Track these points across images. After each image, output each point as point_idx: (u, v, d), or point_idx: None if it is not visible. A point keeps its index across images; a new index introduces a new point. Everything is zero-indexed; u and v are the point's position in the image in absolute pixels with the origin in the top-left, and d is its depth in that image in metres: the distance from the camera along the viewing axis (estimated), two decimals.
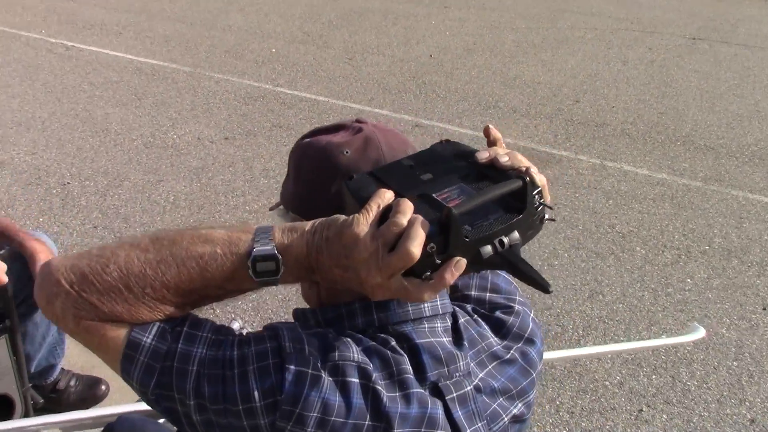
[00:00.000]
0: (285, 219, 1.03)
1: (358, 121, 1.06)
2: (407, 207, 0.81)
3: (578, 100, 6.18)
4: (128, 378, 0.87)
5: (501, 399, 0.99)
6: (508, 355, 1.03)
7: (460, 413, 0.93)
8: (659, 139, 5.32)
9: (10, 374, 2.16)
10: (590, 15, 9.84)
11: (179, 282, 0.84)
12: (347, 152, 0.98)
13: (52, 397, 2.51)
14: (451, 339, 0.96)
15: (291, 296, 3.15)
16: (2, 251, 2.15)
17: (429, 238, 0.79)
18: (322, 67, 6.86)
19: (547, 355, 2.81)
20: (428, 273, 0.80)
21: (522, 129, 5.43)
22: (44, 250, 2.09)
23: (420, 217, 0.80)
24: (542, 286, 0.80)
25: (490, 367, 1.00)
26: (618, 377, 2.82)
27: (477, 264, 0.82)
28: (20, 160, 4.52)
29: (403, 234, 0.79)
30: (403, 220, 0.80)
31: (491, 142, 0.99)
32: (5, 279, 1.96)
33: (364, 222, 0.81)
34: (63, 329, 0.88)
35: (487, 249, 0.82)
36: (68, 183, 4.23)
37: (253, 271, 0.83)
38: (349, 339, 0.90)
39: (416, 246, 0.78)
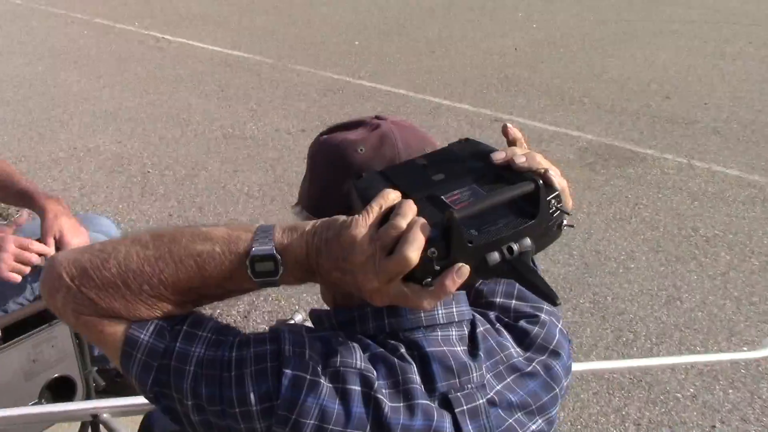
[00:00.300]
0: (300, 218, 1.00)
1: (377, 117, 1.01)
2: (409, 209, 0.76)
3: (668, 96, 5.91)
4: (127, 374, 0.86)
5: (519, 414, 0.92)
6: (530, 368, 0.96)
7: (470, 427, 0.87)
8: (754, 139, 5.03)
9: (72, 357, 2.21)
10: (688, 7, 9.43)
11: (177, 280, 0.82)
12: (362, 149, 0.94)
13: (117, 381, 2.57)
14: (466, 348, 0.90)
15: None
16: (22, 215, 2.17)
17: (430, 242, 0.73)
18: (403, 60, 6.82)
19: (614, 364, 2.69)
20: (429, 279, 0.75)
21: (605, 125, 5.24)
22: (57, 210, 2.06)
23: (421, 220, 0.75)
24: (550, 298, 0.74)
25: (508, 379, 0.94)
26: (691, 390, 2.67)
27: (482, 271, 0.76)
28: (105, 148, 4.68)
29: (402, 237, 0.74)
30: (403, 223, 0.75)
31: (510, 142, 0.92)
32: (36, 245, 1.97)
33: (363, 223, 0.76)
34: (65, 322, 0.87)
35: (494, 256, 0.75)
36: (149, 172, 4.35)
37: (252, 270, 0.80)
38: (355, 344, 0.86)
39: (414, 250, 0.72)
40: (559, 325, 1.02)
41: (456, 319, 0.91)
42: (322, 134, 1.02)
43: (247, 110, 5.43)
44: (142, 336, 0.83)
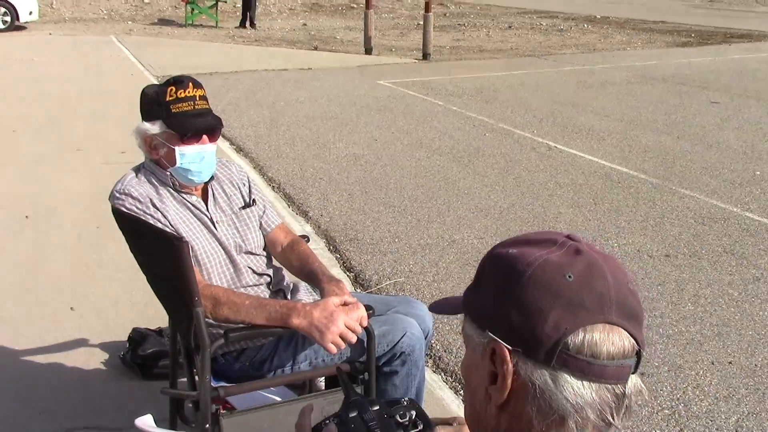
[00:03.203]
0: (480, 339, 0.93)
1: (569, 237, 0.93)
2: None
3: None
4: None
5: None
6: None
7: None
8: None
9: None
10: None
11: None
12: (570, 277, 0.87)
13: None
14: None
15: None
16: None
17: None
18: None
19: None
20: None
21: None
22: (336, 291, 2.28)
23: None
24: None
25: None
26: None
27: None
28: (468, 242, 4.99)
29: None
30: None
31: None
32: (359, 329, 2.19)
33: None
34: None
35: None
36: None
37: None
38: None
39: None
40: None
41: None
42: (502, 247, 0.96)
43: (614, 226, 5.35)
44: None
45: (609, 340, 0.85)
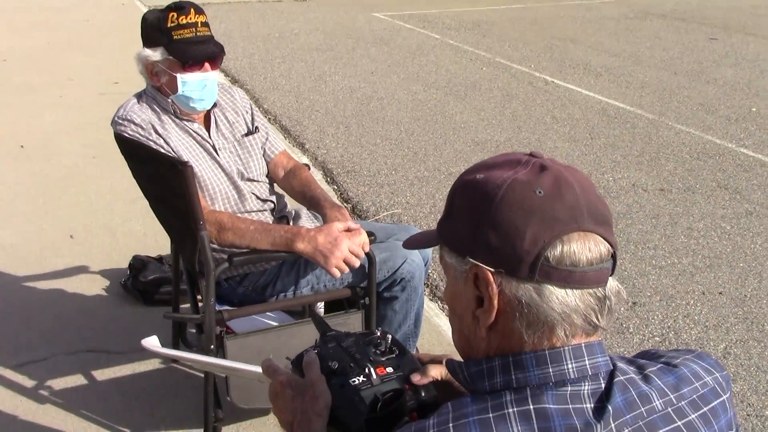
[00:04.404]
0: (461, 267, 0.94)
1: (532, 154, 0.95)
2: None
3: None
4: None
5: None
6: (672, 426, 0.88)
7: None
8: None
9: None
10: None
11: None
12: (540, 192, 0.89)
13: None
14: (593, 406, 0.86)
15: None
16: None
17: None
18: None
19: None
20: None
21: None
22: (339, 217, 2.31)
23: None
24: None
25: None
26: None
27: None
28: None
29: None
30: None
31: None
32: (362, 254, 2.22)
33: None
34: None
35: None
36: None
37: None
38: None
39: None
40: (726, 396, 0.93)
41: (590, 373, 0.87)
42: (469, 173, 0.97)
43: (609, 161, 5.37)
44: None
45: (586, 247, 0.88)
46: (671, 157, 5.48)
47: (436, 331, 3.19)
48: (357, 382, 1.11)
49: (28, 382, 2.76)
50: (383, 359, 1.17)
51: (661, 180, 5.00)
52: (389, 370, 1.14)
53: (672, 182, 4.96)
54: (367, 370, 1.12)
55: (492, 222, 0.89)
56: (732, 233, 4.25)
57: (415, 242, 1.09)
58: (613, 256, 0.92)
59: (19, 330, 3.08)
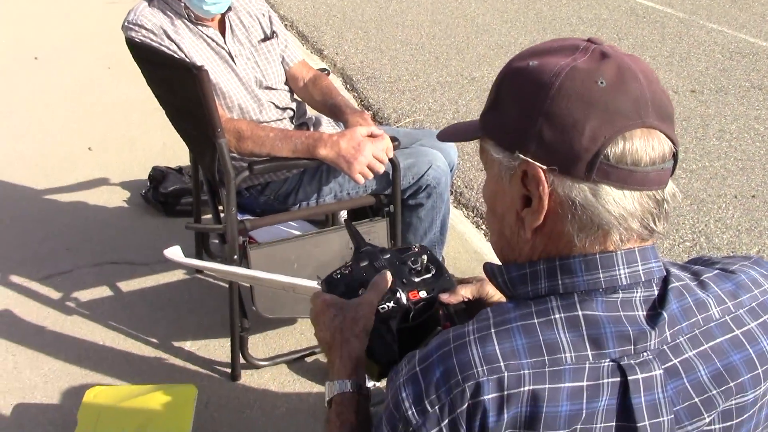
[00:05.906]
0: (509, 162, 0.85)
1: (590, 41, 0.84)
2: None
3: None
4: None
5: (713, 391, 0.80)
6: (730, 335, 0.82)
7: (641, 399, 0.78)
8: None
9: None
10: None
11: None
12: (602, 82, 0.80)
13: None
14: (646, 313, 0.80)
15: None
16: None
17: None
18: None
19: None
20: None
21: None
22: (362, 122, 2.22)
23: None
24: None
25: (706, 346, 0.81)
26: None
27: None
28: (488, 80, 4.86)
29: None
30: None
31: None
32: (386, 160, 2.15)
33: None
34: None
35: None
36: None
37: None
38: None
39: None
40: None
41: (642, 279, 0.81)
42: (520, 59, 0.86)
43: None
44: None
45: (649, 144, 0.79)
46: (702, 57, 5.28)
47: (461, 239, 3.14)
48: (386, 309, 1.05)
49: (55, 294, 2.76)
50: (417, 280, 1.10)
51: (692, 81, 4.82)
52: (422, 294, 1.08)
53: (703, 83, 4.78)
54: (398, 294, 1.06)
55: (547, 114, 0.80)
56: (766, 135, 4.12)
57: (452, 134, 0.99)
58: (675, 156, 0.83)
59: (42, 243, 3.07)
